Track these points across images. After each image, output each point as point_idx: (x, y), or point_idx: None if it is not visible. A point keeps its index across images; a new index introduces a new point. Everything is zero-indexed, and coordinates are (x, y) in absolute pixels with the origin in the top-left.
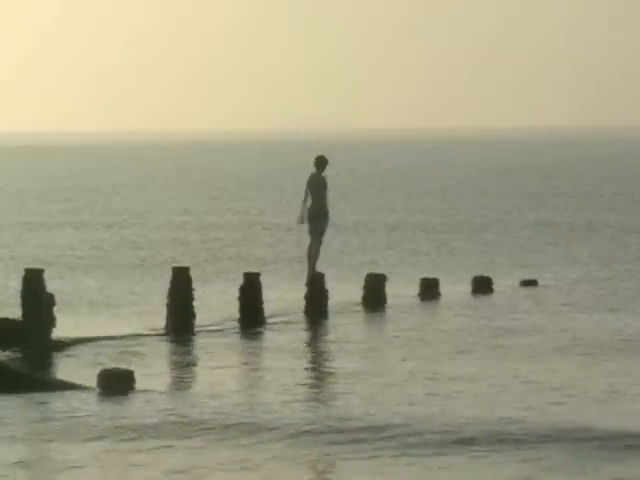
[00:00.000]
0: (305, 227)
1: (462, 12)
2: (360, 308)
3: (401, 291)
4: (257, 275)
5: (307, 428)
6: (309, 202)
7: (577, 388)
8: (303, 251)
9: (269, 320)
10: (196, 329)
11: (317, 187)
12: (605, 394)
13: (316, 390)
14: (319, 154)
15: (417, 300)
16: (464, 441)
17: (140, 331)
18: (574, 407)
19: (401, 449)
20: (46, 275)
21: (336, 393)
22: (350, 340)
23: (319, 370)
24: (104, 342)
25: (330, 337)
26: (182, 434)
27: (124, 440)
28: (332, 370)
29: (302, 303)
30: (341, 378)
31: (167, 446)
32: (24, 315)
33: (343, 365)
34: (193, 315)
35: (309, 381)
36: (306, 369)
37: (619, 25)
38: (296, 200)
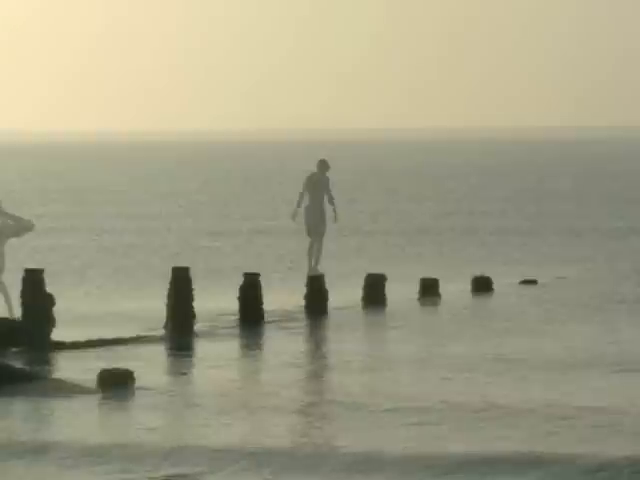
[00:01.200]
0: (305, 228)
1: (462, 12)
2: (360, 308)
3: (401, 291)
4: (257, 275)
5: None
6: (307, 203)
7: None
8: (303, 251)
9: (269, 320)
10: (196, 329)
11: (316, 187)
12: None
13: (312, 396)
14: (322, 158)
15: (417, 300)
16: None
17: (140, 331)
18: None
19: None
20: (46, 275)
21: (334, 407)
22: (350, 341)
23: (318, 372)
24: (104, 342)
25: (330, 337)
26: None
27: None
28: (331, 374)
29: (302, 303)
30: (341, 386)
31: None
32: (24, 315)
33: (343, 368)
34: (193, 315)
35: (305, 383)
36: (303, 370)
37: (619, 25)
38: (294, 200)
